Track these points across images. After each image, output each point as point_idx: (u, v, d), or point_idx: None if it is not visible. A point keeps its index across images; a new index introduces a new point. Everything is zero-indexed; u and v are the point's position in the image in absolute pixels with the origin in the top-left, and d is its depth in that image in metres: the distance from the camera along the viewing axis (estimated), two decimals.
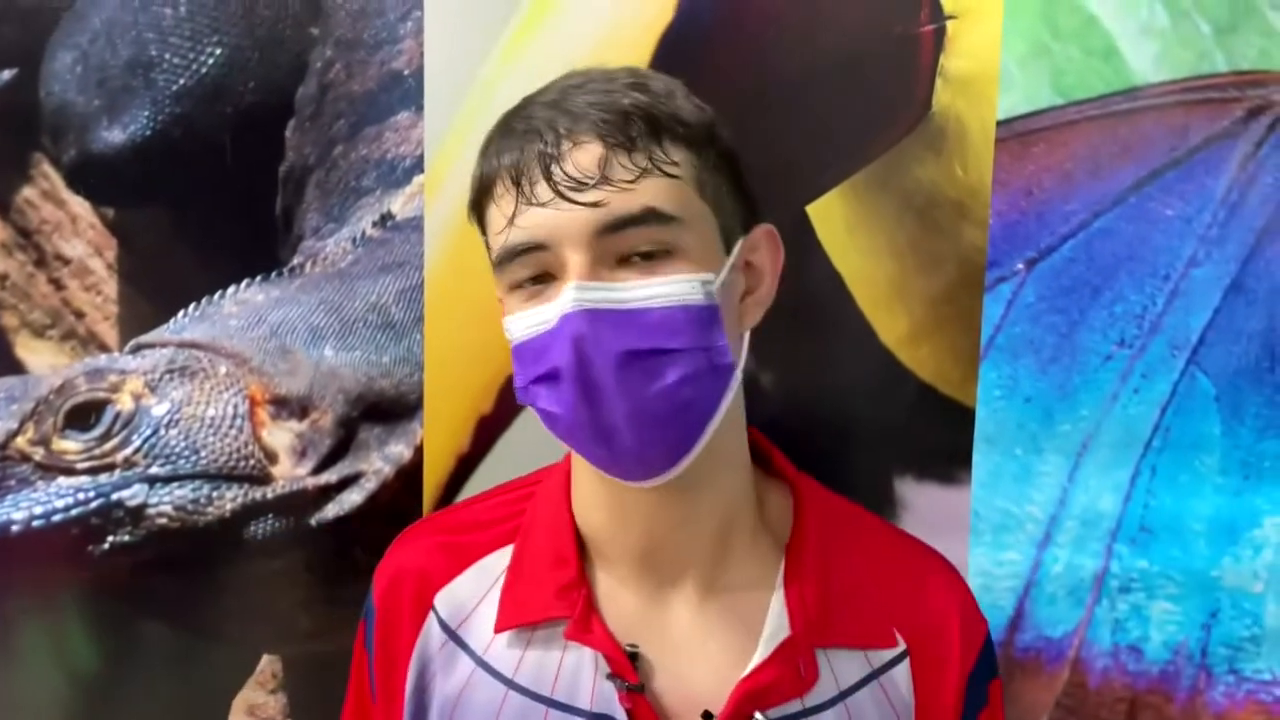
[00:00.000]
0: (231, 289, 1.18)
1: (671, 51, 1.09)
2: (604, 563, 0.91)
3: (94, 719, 1.24)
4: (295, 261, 1.18)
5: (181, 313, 1.18)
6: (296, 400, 1.18)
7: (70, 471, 1.18)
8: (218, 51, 1.16)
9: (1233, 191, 1.07)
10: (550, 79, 0.88)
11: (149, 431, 1.18)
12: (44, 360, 1.20)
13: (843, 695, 0.89)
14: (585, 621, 0.88)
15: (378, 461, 1.18)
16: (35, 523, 1.17)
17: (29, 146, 1.18)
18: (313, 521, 1.18)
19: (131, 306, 1.19)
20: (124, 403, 1.18)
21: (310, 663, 1.22)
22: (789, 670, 0.87)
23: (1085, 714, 1.14)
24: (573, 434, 0.84)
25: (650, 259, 0.82)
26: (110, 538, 1.18)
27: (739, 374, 0.86)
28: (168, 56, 1.16)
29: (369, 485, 1.18)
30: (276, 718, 1.23)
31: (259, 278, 1.18)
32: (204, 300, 1.18)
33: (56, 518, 1.18)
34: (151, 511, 1.18)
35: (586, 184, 0.80)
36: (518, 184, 0.82)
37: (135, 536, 1.18)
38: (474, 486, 1.17)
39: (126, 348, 1.19)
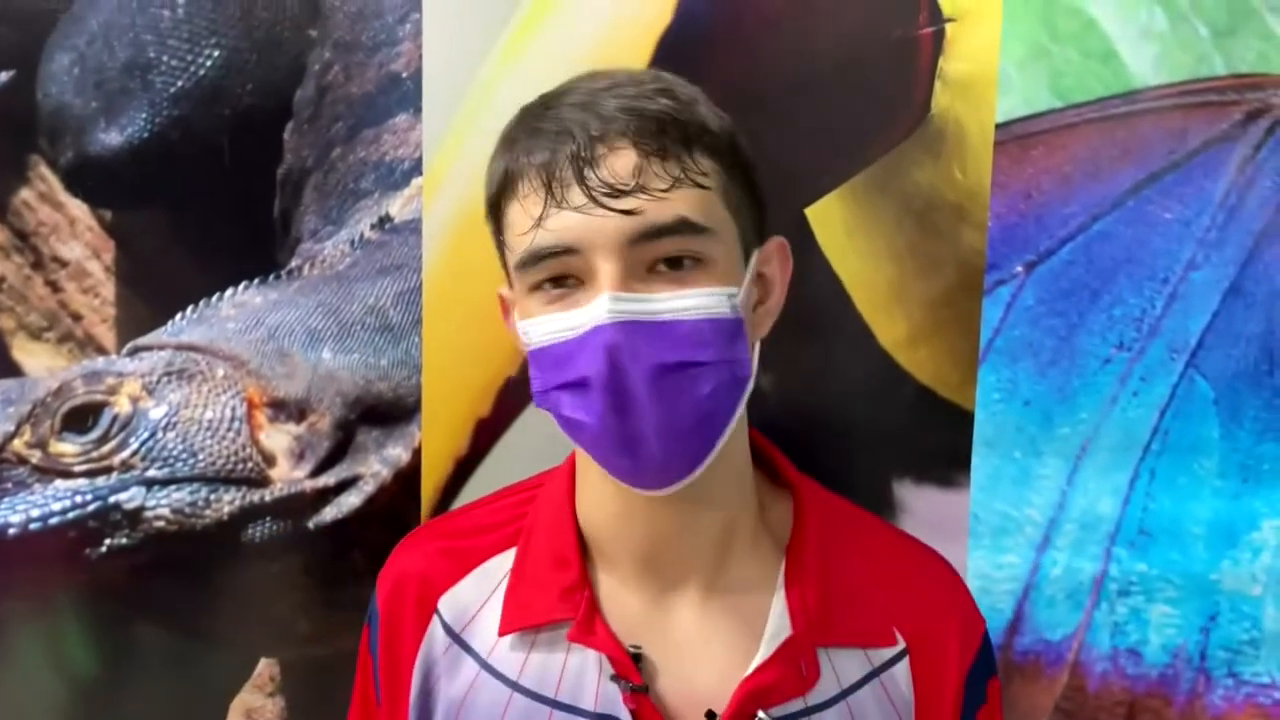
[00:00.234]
0: (229, 291, 1.18)
1: (670, 53, 1.09)
2: (607, 565, 0.91)
3: None
4: (293, 264, 1.18)
5: (179, 315, 1.18)
6: (294, 403, 1.17)
7: (67, 474, 1.18)
8: (215, 54, 1.16)
9: (1231, 194, 1.07)
10: (549, 81, 0.87)
11: (146, 434, 1.17)
12: (41, 363, 1.20)
13: (844, 694, 0.89)
14: (589, 623, 0.88)
15: (376, 464, 1.18)
16: (32, 526, 1.17)
17: (26, 148, 1.17)
18: (310, 524, 1.18)
19: (129, 309, 1.19)
20: (121, 405, 1.18)
21: (308, 666, 1.21)
22: (791, 669, 0.87)
23: (1084, 717, 1.14)
24: (598, 443, 0.84)
25: (677, 268, 0.82)
26: (108, 541, 1.18)
27: (752, 383, 0.86)
28: (165, 59, 1.16)
29: (367, 488, 1.18)
30: None
31: (257, 280, 1.18)
32: (202, 303, 1.18)
33: (54, 521, 1.17)
34: (149, 514, 1.17)
35: (623, 191, 0.79)
36: (548, 185, 0.81)
37: (133, 539, 1.18)
38: (472, 489, 1.16)
39: (124, 350, 1.19)
